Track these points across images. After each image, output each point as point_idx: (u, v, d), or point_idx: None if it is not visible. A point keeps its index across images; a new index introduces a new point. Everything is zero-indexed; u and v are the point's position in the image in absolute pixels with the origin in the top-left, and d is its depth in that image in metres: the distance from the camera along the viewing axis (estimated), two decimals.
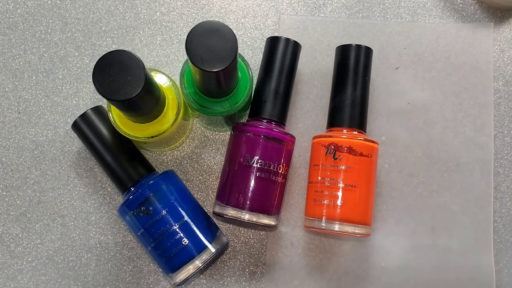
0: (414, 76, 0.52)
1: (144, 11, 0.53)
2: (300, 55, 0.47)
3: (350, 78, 0.46)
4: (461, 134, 0.51)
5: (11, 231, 0.49)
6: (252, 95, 0.46)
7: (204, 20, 0.39)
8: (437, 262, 0.49)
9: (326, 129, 0.47)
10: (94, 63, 0.36)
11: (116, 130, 0.43)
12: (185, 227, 0.43)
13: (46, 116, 0.51)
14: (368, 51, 0.46)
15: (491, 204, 0.50)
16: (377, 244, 0.49)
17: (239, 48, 0.37)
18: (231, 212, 0.43)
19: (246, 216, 0.43)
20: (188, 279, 0.44)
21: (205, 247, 0.44)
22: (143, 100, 0.37)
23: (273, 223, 0.45)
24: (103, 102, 0.50)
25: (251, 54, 0.52)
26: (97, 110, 0.46)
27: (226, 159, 0.46)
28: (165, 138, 0.44)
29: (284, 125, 0.46)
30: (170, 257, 0.43)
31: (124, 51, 0.36)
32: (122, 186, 0.45)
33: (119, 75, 0.35)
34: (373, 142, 0.45)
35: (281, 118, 0.46)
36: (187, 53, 0.36)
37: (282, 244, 0.49)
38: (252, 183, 0.43)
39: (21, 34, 0.52)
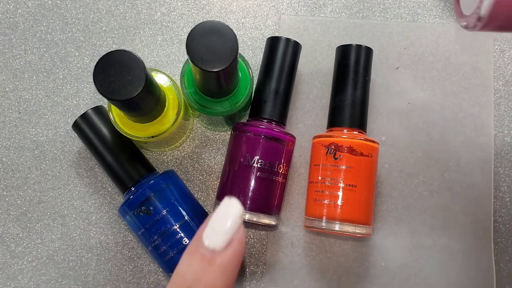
0: (414, 76, 0.52)
1: (145, 11, 0.53)
2: (300, 55, 0.47)
3: (350, 78, 0.46)
4: (461, 134, 0.51)
5: (11, 231, 0.49)
6: (253, 95, 0.46)
7: (205, 20, 0.39)
8: (437, 262, 0.49)
9: (327, 129, 0.47)
10: (95, 63, 0.36)
11: (117, 130, 0.43)
12: (185, 227, 0.43)
13: (46, 116, 0.51)
14: (368, 51, 0.46)
15: (491, 204, 0.50)
16: (378, 243, 0.49)
17: (239, 48, 0.37)
18: None
19: (247, 216, 0.43)
20: None
21: None
22: (144, 100, 0.37)
23: (273, 223, 0.45)
24: (104, 102, 0.50)
25: (252, 54, 0.52)
26: (98, 110, 0.46)
27: (226, 159, 0.46)
28: (165, 138, 0.44)
29: (285, 125, 0.47)
30: (171, 256, 0.43)
31: (125, 51, 0.36)
32: (123, 186, 0.45)
33: (119, 75, 0.35)
34: (374, 142, 0.45)
35: (282, 118, 0.46)
36: (188, 53, 0.36)
37: (283, 244, 0.49)
38: (253, 183, 0.43)
39: (21, 34, 0.52)
